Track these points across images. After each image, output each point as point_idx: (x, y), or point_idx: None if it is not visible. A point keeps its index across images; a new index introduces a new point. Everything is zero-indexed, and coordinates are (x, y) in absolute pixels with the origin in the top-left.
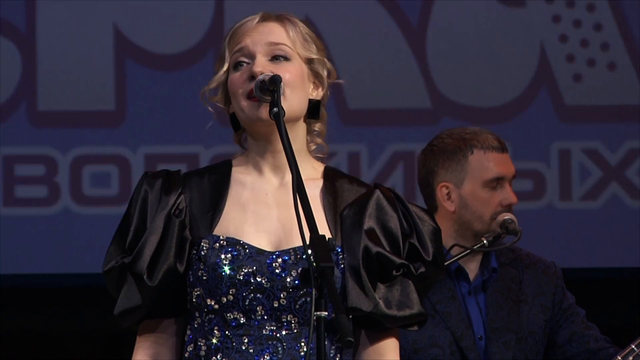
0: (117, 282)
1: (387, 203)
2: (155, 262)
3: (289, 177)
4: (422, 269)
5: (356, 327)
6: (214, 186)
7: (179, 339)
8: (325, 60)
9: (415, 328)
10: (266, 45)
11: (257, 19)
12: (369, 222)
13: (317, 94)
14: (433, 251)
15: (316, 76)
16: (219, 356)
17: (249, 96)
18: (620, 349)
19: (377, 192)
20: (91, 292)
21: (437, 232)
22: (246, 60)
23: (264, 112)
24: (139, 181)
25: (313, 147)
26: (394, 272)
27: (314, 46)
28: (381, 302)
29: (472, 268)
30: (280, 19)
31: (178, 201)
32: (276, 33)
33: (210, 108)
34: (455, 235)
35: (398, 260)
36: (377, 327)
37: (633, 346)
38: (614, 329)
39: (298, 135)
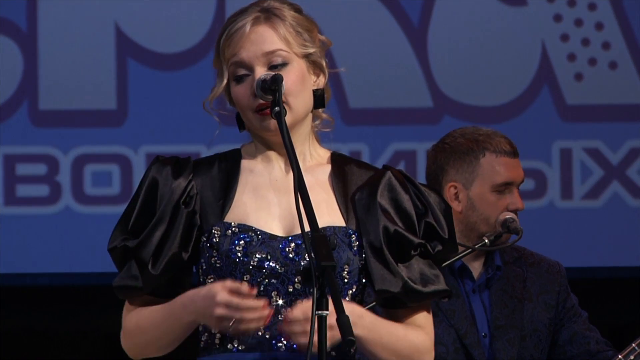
0: (121, 260)
1: (398, 183)
2: (160, 251)
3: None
4: (439, 248)
5: (385, 309)
6: (224, 174)
7: None
8: (321, 47)
9: (446, 300)
10: (262, 55)
11: (248, 26)
12: (382, 202)
13: (319, 82)
14: (448, 229)
15: (316, 65)
16: (235, 343)
17: (257, 110)
18: (618, 352)
19: (388, 173)
20: (91, 292)
21: (448, 209)
22: (246, 72)
23: (273, 123)
24: (150, 165)
25: (318, 122)
26: (412, 252)
27: (307, 35)
28: (408, 280)
29: (475, 266)
30: (270, 19)
31: (188, 188)
32: (269, 40)
33: (216, 117)
34: (460, 235)
35: (416, 240)
36: (405, 305)
37: (634, 345)
38: (614, 328)
39: (306, 126)
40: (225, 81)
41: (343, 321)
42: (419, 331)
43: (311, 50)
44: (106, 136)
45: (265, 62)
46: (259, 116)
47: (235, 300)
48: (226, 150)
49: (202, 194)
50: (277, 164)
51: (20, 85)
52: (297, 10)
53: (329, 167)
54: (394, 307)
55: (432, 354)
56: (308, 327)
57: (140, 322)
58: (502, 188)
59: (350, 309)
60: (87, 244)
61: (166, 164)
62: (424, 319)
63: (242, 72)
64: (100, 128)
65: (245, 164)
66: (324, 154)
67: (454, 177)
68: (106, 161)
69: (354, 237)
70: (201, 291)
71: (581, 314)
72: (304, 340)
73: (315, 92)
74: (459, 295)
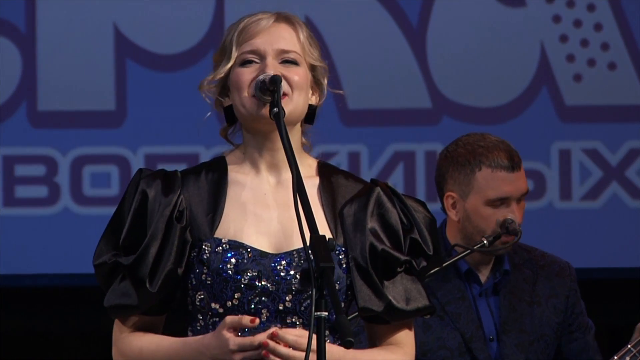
0: (108, 276)
1: (386, 199)
2: (156, 268)
3: (286, 175)
4: (424, 264)
5: (367, 323)
6: (212, 186)
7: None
8: (326, 67)
9: (428, 316)
10: (278, 49)
11: (271, 20)
12: (372, 221)
13: (315, 99)
14: (433, 243)
15: (316, 83)
16: None
17: (254, 94)
18: (614, 354)
19: (377, 189)
20: (91, 292)
21: (432, 222)
22: (255, 59)
23: (267, 110)
24: (135, 178)
25: (304, 140)
26: (397, 269)
27: (317, 52)
28: (392, 300)
29: (483, 271)
30: (291, 21)
31: (178, 203)
32: (287, 38)
33: (208, 100)
34: (460, 242)
35: (402, 257)
36: (388, 322)
37: (630, 346)
38: (614, 329)
39: (295, 135)
40: (231, 63)
41: (342, 322)
42: (397, 353)
43: (318, 64)
44: (105, 137)
45: (279, 55)
46: (256, 101)
47: (248, 340)
48: (226, 150)
49: (190, 209)
50: (265, 177)
51: (19, 86)
52: (308, 28)
53: (317, 180)
54: (375, 322)
55: None
56: None
57: (144, 351)
58: (497, 203)
59: (329, 352)
60: (86, 245)
61: (154, 179)
62: (405, 337)
63: (252, 57)
64: (99, 129)
65: (232, 175)
66: (312, 164)
67: (452, 188)
68: (105, 162)
69: (342, 255)
70: (212, 339)
71: (590, 329)
72: None
73: (310, 106)
74: (465, 299)
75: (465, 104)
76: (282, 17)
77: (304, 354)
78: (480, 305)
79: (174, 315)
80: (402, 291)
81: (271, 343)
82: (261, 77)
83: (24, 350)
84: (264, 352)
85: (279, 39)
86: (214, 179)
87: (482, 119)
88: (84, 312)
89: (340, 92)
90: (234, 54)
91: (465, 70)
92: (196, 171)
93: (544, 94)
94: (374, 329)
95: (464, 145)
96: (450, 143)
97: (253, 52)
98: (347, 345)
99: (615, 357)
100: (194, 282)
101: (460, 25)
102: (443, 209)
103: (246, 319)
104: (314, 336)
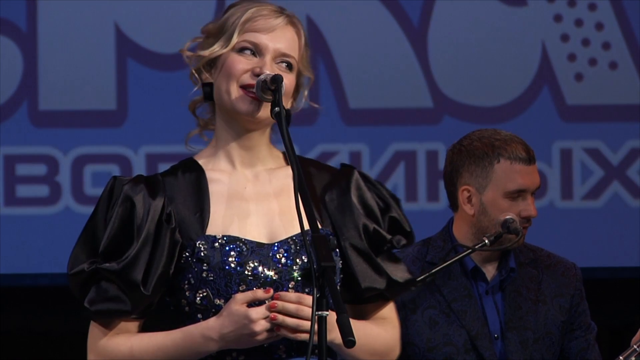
0: (84, 284)
1: (362, 182)
2: (149, 271)
3: (261, 167)
4: (404, 242)
5: (354, 305)
6: (192, 186)
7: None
8: (312, 77)
9: (413, 288)
10: (279, 51)
11: (279, 20)
12: (355, 201)
13: (290, 103)
14: (407, 221)
15: (297, 90)
16: (234, 354)
17: (245, 88)
18: (619, 354)
19: (355, 173)
20: None
21: (399, 201)
22: (254, 52)
23: (254, 107)
24: (112, 186)
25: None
26: (384, 248)
27: (308, 59)
28: (391, 275)
29: (489, 269)
30: (297, 25)
31: (165, 205)
32: (290, 42)
33: (195, 74)
34: (473, 237)
35: (388, 236)
36: (380, 299)
37: (635, 346)
38: (614, 328)
39: (265, 131)
40: (229, 48)
41: (343, 321)
42: (387, 326)
43: (306, 73)
44: (106, 136)
45: (278, 56)
46: (244, 94)
47: (274, 304)
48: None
49: (176, 210)
50: (241, 171)
51: (20, 85)
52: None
53: (288, 169)
54: (368, 302)
55: (399, 345)
56: (300, 324)
57: (136, 351)
58: (515, 195)
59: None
60: None
61: (138, 183)
62: (389, 310)
63: (251, 47)
64: (100, 128)
65: (209, 174)
66: (279, 155)
67: (468, 181)
68: (106, 161)
69: (331, 238)
70: (222, 319)
71: (592, 329)
72: (286, 333)
73: (288, 110)
74: (472, 296)
75: (466, 103)
76: (290, 20)
77: (309, 309)
78: (487, 303)
79: (166, 318)
80: (390, 267)
81: (279, 302)
82: (262, 77)
83: (24, 350)
84: (271, 315)
85: (283, 40)
86: (192, 179)
87: (483, 118)
88: (84, 313)
89: (316, 105)
90: (235, 39)
91: (466, 69)
92: (172, 173)
93: (545, 93)
94: (359, 308)
95: (480, 139)
96: (461, 139)
97: (254, 44)
98: (349, 345)
99: (621, 357)
100: (193, 282)
101: (462, 25)
102: (452, 205)
103: (260, 292)
104: (314, 336)
